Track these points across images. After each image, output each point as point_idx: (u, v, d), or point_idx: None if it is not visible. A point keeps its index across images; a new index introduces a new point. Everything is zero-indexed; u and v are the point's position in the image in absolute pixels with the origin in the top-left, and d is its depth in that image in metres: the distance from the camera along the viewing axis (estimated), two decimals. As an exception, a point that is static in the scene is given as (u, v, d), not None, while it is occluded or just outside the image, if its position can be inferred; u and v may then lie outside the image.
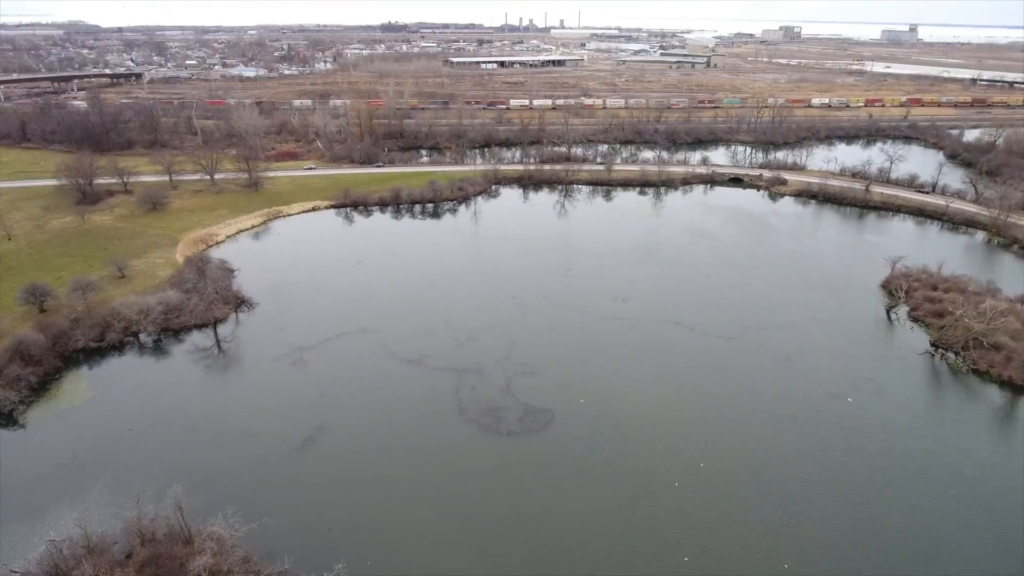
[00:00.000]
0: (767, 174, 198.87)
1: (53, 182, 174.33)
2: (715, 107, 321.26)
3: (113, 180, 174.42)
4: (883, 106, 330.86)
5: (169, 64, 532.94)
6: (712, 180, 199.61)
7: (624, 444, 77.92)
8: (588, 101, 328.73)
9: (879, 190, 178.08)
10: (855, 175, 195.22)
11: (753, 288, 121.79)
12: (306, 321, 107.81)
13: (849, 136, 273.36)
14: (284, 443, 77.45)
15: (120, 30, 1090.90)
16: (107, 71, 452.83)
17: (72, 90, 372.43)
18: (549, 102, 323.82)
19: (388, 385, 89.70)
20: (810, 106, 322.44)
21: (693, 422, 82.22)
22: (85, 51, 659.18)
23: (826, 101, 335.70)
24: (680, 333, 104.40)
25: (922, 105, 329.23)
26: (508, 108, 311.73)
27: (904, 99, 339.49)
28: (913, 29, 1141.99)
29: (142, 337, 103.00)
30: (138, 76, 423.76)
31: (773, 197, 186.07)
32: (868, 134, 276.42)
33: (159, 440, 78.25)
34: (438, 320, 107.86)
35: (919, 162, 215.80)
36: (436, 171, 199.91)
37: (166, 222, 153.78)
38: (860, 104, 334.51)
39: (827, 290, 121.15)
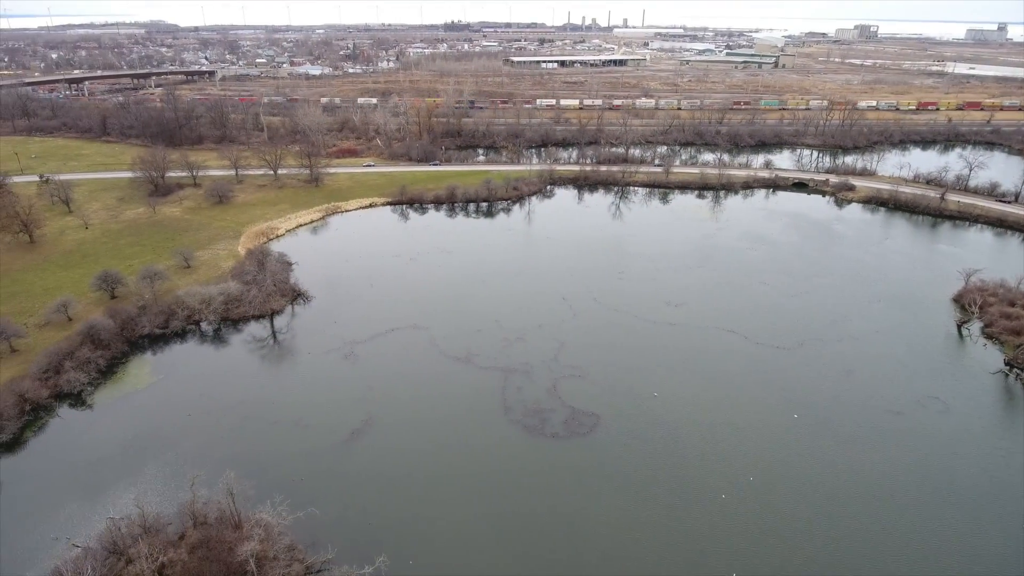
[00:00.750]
0: (834, 179, 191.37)
1: (129, 174, 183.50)
2: (749, 108, 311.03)
3: (183, 173, 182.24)
4: (936, 109, 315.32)
5: (240, 62, 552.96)
6: (775, 184, 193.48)
7: (670, 452, 76.20)
8: (618, 102, 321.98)
9: (956, 198, 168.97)
10: (930, 182, 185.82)
11: (813, 297, 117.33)
12: (359, 315, 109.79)
13: (926, 141, 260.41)
14: (332, 435, 78.95)
15: (197, 29, 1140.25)
16: (183, 68, 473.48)
17: (150, 86, 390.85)
18: (576, 102, 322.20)
19: (435, 382, 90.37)
20: (855, 108, 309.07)
21: (743, 433, 79.71)
22: (164, 49, 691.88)
23: (873, 103, 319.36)
24: (734, 341, 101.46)
25: (981, 109, 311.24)
26: (535, 107, 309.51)
27: (962, 103, 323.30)
28: (1002, 28, 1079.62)
29: (203, 325, 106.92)
30: (211, 74, 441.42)
31: (839, 203, 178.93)
32: (946, 139, 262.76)
33: (215, 426, 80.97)
34: (488, 319, 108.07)
35: (1001, 170, 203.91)
36: (492, 170, 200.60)
37: (230, 215, 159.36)
38: (912, 107, 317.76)
39: (893, 302, 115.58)
